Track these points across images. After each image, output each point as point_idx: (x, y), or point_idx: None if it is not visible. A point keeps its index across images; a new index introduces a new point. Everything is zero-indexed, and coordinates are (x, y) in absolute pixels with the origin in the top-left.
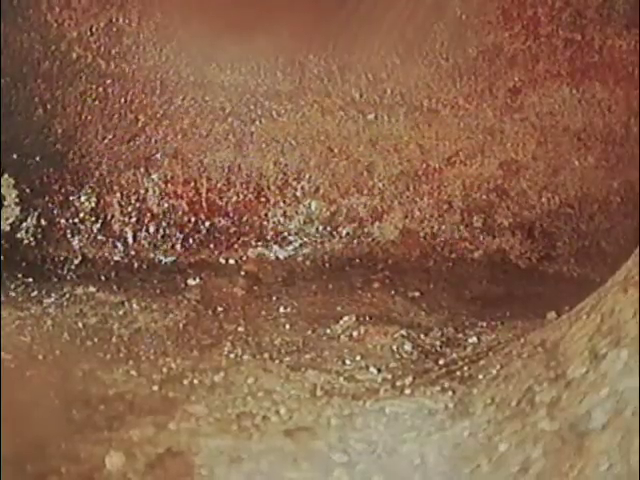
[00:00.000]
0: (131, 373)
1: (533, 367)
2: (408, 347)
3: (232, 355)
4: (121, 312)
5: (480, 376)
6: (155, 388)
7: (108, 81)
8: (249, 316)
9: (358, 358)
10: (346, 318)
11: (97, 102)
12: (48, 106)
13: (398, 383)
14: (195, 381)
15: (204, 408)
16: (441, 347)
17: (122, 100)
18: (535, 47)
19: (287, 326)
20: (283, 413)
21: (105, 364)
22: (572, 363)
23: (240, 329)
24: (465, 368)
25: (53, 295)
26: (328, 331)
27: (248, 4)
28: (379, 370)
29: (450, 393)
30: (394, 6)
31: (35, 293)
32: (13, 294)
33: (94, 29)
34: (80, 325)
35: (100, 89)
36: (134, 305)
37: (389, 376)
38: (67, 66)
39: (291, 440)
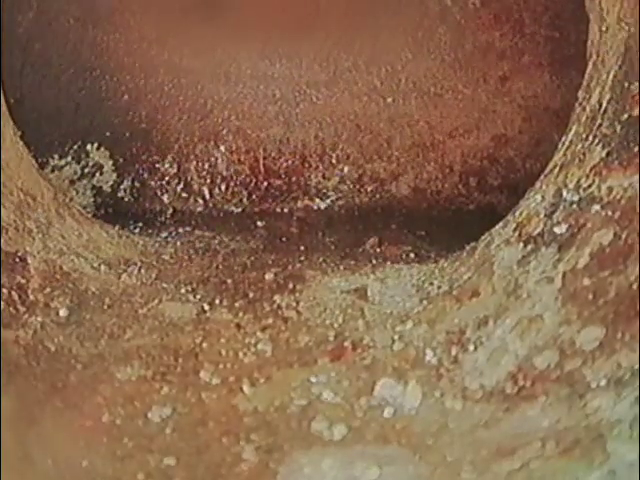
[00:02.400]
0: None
1: None
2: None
3: (297, 265)
4: (216, 241)
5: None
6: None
7: (181, 73)
8: (304, 243)
9: (380, 260)
10: (371, 240)
11: (173, 90)
12: (133, 94)
13: None
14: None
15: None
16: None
17: (194, 88)
18: (521, 43)
19: (332, 247)
20: None
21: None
22: None
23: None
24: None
25: (164, 232)
26: (360, 249)
27: (294, 14)
28: None
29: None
30: (407, 13)
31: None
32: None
33: (169, 31)
34: (193, 249)
35: (175, 80)
36: (224, 238)
37: None
38: (147, 61)
39: None
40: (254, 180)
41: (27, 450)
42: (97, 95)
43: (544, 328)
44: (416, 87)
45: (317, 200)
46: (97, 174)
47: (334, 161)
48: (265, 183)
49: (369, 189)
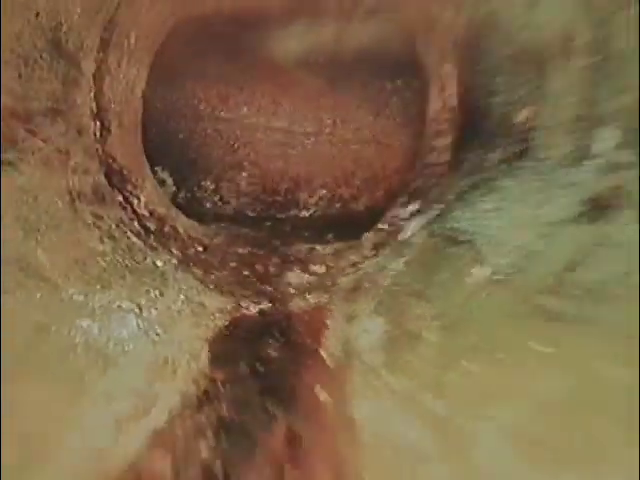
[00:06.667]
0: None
1: None
2: None
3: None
4: (242, 232)
5: None
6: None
7: (219, 123)
8: (294, 236)
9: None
10: (330, 235)
11: (214, 133)
12: (186, 134)
13: None
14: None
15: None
16: None
17: (227, 133)
18: None
19: (310, 239)
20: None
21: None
22: None
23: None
24: None
25: (214, 227)
26: (326, 239)
27: (296, 89)
28: None
29: None
30: (370, 89)
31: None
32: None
33: (212, 93)
34: (231, 236)
35: (215, 127)
36: (246, 230)
37: None
38: (196, 113)
39: None
40: (264, 196)
41: None
42: (164, 134)
43: None
44: (374, 139)
45: (303, 211)
46: (162, 187)
47: (315, 186)
48: (270, 199)
49: (337, 205)
